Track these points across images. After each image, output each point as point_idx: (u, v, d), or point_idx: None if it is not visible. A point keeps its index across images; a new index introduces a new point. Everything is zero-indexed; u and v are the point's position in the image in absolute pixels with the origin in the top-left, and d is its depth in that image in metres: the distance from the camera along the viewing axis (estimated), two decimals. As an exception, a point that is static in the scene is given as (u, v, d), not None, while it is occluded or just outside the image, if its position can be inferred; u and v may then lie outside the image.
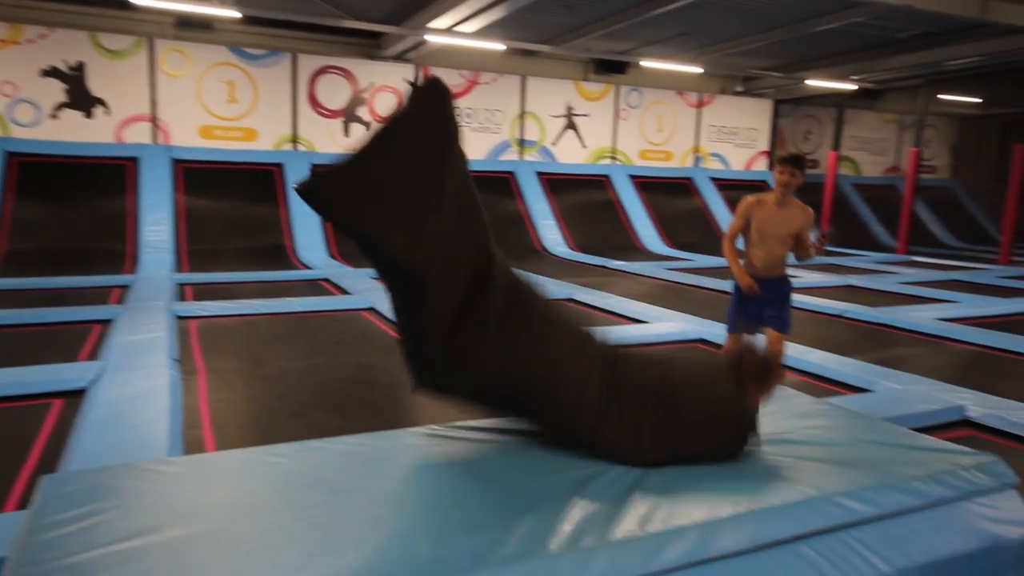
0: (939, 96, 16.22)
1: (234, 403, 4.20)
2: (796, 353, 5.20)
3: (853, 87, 14.53)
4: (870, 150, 18.37)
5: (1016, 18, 9.28)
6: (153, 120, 11.49)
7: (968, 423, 3.98)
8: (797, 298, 7.98)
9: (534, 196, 13.64)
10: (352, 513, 1.90)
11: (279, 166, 12.02)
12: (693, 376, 2.50)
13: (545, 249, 12.75)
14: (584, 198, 14.23)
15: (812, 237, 4.02)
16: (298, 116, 12.39)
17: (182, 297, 7.48)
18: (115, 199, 10.67)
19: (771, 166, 17.18)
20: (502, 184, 13.63)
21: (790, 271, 4.17)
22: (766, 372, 2.44)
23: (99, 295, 7.37)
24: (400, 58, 12.76)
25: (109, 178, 10.84)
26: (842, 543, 1.91)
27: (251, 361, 5.10)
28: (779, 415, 2.70)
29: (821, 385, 4.81)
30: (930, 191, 17.58)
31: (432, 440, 2.49)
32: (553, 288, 8.45)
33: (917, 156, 14.52)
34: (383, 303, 7.15)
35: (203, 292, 7.80)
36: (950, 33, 11.29)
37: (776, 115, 16.96)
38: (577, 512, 1.93)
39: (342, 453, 2.34)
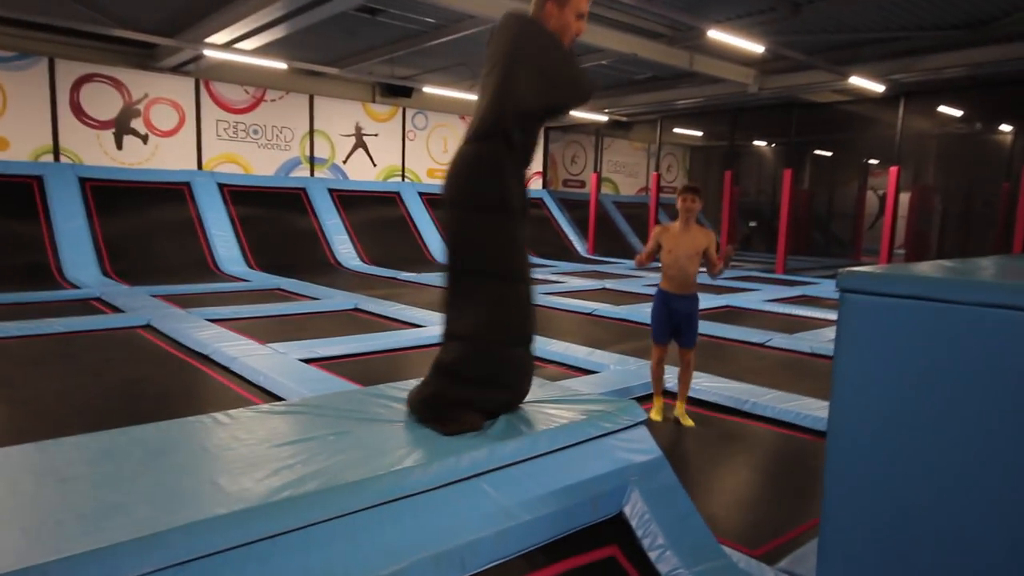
0: (674, 129, 18.56)
1: (-25, 429, 3.74)
2: (557, 348, 5.79)
3: (605, 118, 16.16)
4: (625, 173, 20.46)
5: (716, 71, 10.99)
6: None
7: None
8: (563, 301, 8.86)
9: (327, 212, 13.38)
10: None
11: (38, 178, 10.56)
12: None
13: (339, 263, 12.59)
14: (377, 214, 14.23)
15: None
16: (59, 126, 11.03)
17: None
18: None
19: (545, 184, 18.50)
20: (294, 200, 13.22)
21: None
22: None
23: None
24: (178, 70, 11.91)
25: None
26: (510, 475, 2.23)
27: (-1, 385, 4.55)
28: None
29: (567, 371, 5.33)
30: (671, 208, 19.92)
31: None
32: (344, 300, 8.43)
33: (657, 179, 16.48)
34: (161, 319, 6.67)
35: (-60, 316, 6.68)
36: (673, 78, 13.05)
37: (547, 140, 18.27)
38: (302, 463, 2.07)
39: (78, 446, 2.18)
